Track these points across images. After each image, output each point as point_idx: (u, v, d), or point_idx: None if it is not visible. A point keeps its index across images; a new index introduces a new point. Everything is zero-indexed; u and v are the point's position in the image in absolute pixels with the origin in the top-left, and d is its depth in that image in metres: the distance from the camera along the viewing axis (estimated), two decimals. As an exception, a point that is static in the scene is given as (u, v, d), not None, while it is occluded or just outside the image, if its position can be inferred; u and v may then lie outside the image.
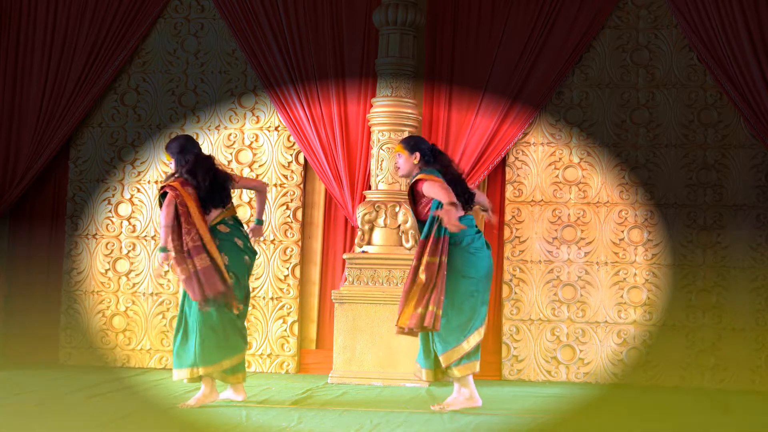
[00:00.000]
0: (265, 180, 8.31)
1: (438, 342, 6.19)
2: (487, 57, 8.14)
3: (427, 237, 6.13)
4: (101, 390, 6.90)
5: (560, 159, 8.21)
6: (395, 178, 7.79)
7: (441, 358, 6.16)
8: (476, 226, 6.35)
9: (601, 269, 8.09)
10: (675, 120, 8.09)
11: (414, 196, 6.32)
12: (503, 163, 8.24)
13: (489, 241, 6.47)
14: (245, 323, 6.47)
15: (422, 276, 6.06)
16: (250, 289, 6.54)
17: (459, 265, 6.17)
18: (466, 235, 6.20)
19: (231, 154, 8.42)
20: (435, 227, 6.11)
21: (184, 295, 6.33)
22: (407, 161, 6.30)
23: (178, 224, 6.20)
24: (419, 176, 6.22)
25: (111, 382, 7.32)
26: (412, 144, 6.34)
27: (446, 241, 6.10)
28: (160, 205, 6.31)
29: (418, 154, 6.29)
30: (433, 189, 6.09)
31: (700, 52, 7.91)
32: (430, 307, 6.03)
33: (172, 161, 6.40)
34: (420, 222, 6.32)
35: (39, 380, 7.36)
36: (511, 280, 8.15)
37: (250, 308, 8.27)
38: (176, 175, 6.35)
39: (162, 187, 6.33)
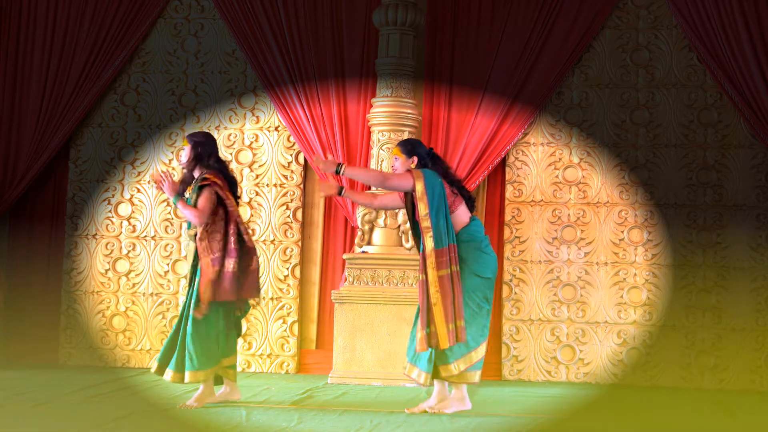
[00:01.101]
0: (265, 180, 8.36)
1: (454, 347, 6.07)
2: (487, 57, 8.14)
3: (425, 249, 6.01)
4: (101, 390, 6.90)
5: (560, 159, 8.21)
6: (395, 178, 7.79)
7: (452, 365, 6.06)
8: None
9: (601, 269, 8.09)
10: (675, 120, 8.09)
11: (412, 200, 6.21)
12: (503, 163, 8.23)
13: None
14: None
15: (438, 293, 5.95)
16: None
17: (473, 263, 6.12)
18: (482, 237, 6.19)
19: (231, 154, 8.42)
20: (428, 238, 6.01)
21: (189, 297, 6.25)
22: (404, 165, 6.22)
23: (222, 223, 6.14)
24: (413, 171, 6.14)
25: (111, 382, 7.32)
26: (409, 148, 6.26)
27: (453, 250, 6.01)
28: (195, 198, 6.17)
29: (415, 158, 6.21)
30: (401, 173, 6.13)
31: (700, 52, 7.91)
32: (458, 322, 5.97)
33: (188, 147, 6.23)
34: (415, 227, 6.21)
35: (39, 380, 7.36)
36: (511, 280, 8.15)
37: (250, 309, 8.28)
38: (208, 167, 6.23)
39: (204, 179, 6.16)
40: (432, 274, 5.97)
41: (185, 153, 6.27)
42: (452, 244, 6.02)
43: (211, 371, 6.16)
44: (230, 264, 6.12)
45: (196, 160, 6.24)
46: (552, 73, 8.07)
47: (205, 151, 6.26)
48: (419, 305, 6.07)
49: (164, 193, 6.21)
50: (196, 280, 6.18)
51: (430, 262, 5.98)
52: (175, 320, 6.36)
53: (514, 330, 8.11)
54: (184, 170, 6.30)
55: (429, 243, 6.00)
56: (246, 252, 6.21)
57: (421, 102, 8.18)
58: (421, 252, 6.06)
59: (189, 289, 6.24)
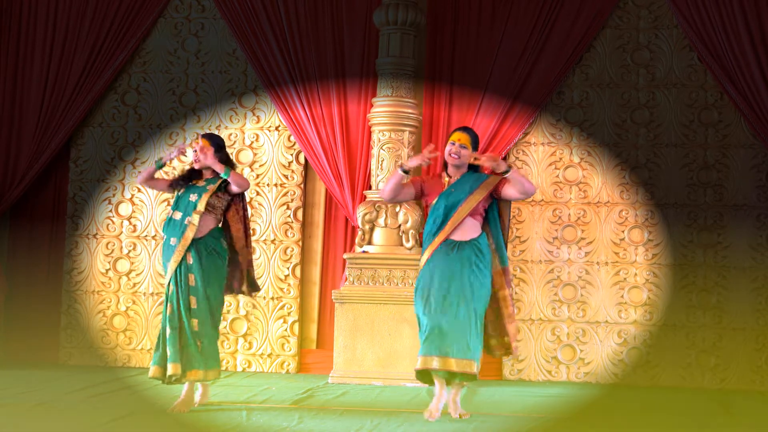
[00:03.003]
0: (265, 180, 8.37)
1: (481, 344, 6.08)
2: (487, 57, 8.14)
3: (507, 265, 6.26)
4: (101, 390, 6.90)
5: (561, 159, 8.20)
6: (395, 177, 7.79)
7: (476, 363, 5.95)
8: None
9: (601, 269, 8.09)
10: (675, 120, 8.09)
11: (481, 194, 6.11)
12: (504, 162, 8.23)
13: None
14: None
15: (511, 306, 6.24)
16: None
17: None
18: None
19: (232, 153, 8.41)
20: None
21: (188, 293, 6.21)
22: (466, 157, 6.09)
23: (242, 219, 6.42)
24: (499, 177, 6.05)
25: (111, 382, 7.32)
26: (477, 141, 6.18)
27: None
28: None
29: (474, 155, 6.18)
30: (523, 176, 6.05)
31: (701, 52, 7.91)
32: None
33: (213, 150, 6.32)
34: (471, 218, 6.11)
35: (39, 380, 7.36)
36: (511, 280, 8.14)
37: (250, 308, 8.30)
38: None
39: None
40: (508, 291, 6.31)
41: (210, 155, 6.29)
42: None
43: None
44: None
45: (220, 161, 6.34)
46: (552, 72, 8.06)
47: (224, 154, 6.40)
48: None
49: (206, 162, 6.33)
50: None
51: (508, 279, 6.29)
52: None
53: (514, 330, 8.10)
54: (195, 166, 6.37)
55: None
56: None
57: (422, 102, 8.18)
58: (506, 266, 6.28)
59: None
